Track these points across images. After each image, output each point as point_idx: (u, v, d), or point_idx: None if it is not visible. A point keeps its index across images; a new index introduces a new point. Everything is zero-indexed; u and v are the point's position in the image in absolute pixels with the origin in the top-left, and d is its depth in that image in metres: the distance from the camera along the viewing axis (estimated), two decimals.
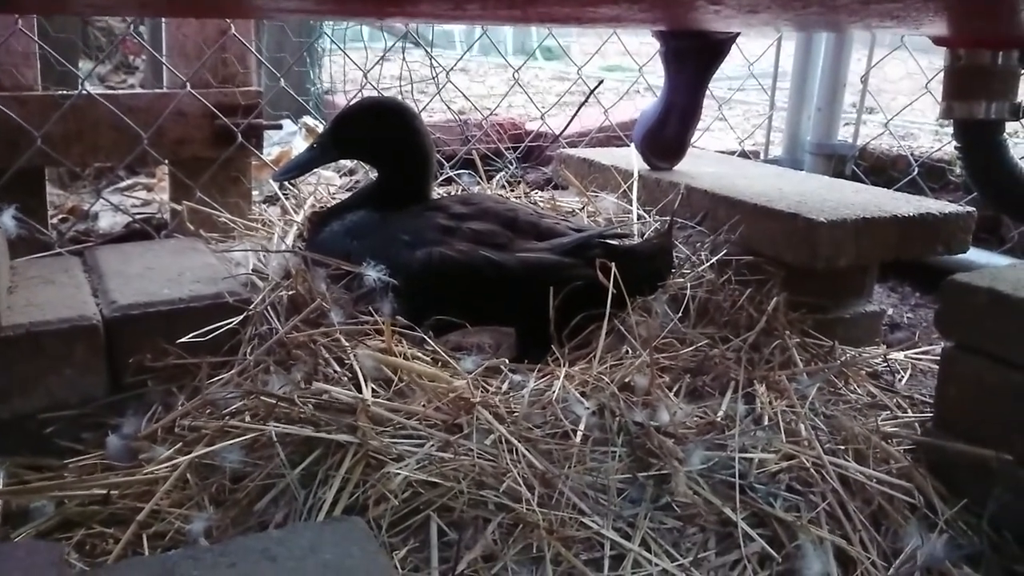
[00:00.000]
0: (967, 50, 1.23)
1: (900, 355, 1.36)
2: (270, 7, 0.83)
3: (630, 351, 1.09)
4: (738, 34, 1.54)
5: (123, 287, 1.15)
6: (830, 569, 0.83)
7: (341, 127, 1.36)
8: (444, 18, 1.10)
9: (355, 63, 1.92)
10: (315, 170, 1.51)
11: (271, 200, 1.79)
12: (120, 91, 1.72)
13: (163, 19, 1.58)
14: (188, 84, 1.49)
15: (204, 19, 1.52)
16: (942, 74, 1.27)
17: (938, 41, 1.26)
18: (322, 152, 1.37)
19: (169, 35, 1.55)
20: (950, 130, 2.49)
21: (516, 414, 0.94)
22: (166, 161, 1.56)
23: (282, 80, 1.66)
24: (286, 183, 1.65)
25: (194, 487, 0.89)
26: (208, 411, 0.99)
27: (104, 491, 0.89)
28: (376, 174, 1.43)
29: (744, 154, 2.21)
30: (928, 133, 2.92)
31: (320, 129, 2.20)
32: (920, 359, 1.36)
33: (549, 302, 1.11)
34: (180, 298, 1.12)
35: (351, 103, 1.41)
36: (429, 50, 2.00)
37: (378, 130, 1.34)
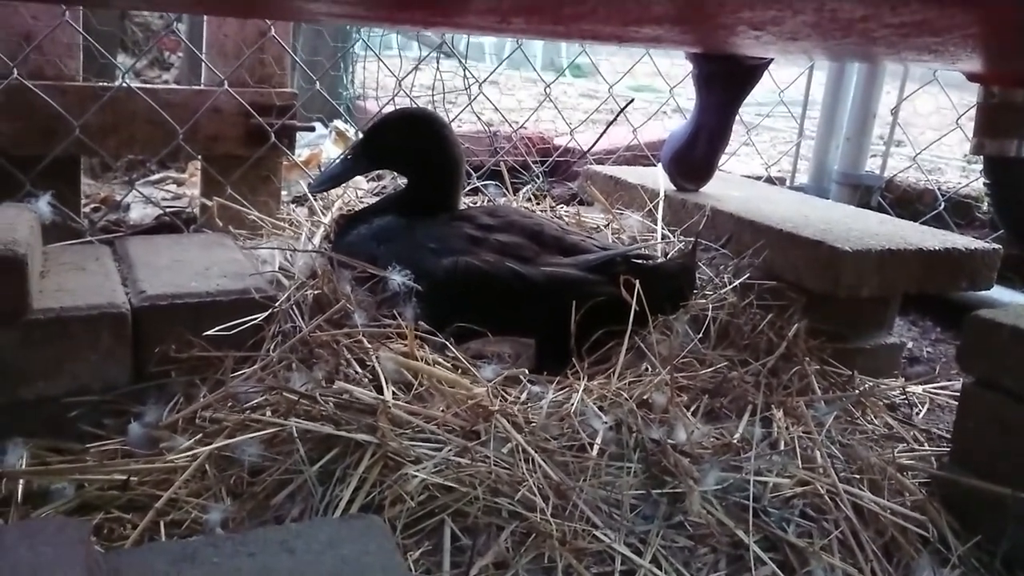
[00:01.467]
0: (1001, 87, 1.23)
1: (918, 389, 1.36)
2: (320, 11, 0.85)
3: (649, 368, 1.09)
4: (771, 60, 1.55)
5: (152, 278, 1.16)
6: None
7: (374, 137, 1.38)
8: (488, 30, 1.11)
9: (389, 69, 1.94)
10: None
11: (299, 201, 1.81)
12: (158, 86, 1.75)
13: (204, 19, 1.60)
14: (226, 82, 1.51)
15: (245, 20, 1.54)
16: (972, 110, 1.27)
17: (972, 77, 1.26)
18: (356, 162, 1.40)
19: (210, 33, 1.57)
20: (977, 166, 2.49)
21: (534, 424, 0.95)
22: (199, 157, 1.58)
23: (317, 83, 1.68)
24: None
25: (212, 478, 0.90)
26: (230, 404, 1.01)
27: (124, 477, 0.90)
28: (404, 181, 1.44)
29: (770, 180, 2.21)
30: (955, 168, 2.92)
31: (351, 133, 2.23)
32: (939, 394, 1.36)
33: (571, 316, 1.12)
34: (207, 291, 1.13)
35: (384, 114, 1.42)
36: (463, 61, 2.02)
37: (410, 140, 1.36)
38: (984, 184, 1.31)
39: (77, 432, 1.02)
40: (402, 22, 1.22)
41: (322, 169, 1.89)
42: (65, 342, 1.03)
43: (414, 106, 1.85)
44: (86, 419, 1.03)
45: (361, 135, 1.61)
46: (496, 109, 1.98)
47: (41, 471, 0.92)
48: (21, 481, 0.90)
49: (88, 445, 1.00)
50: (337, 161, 1.46)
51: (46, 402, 1.03)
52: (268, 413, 0.95)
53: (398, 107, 1.53)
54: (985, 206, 2.01)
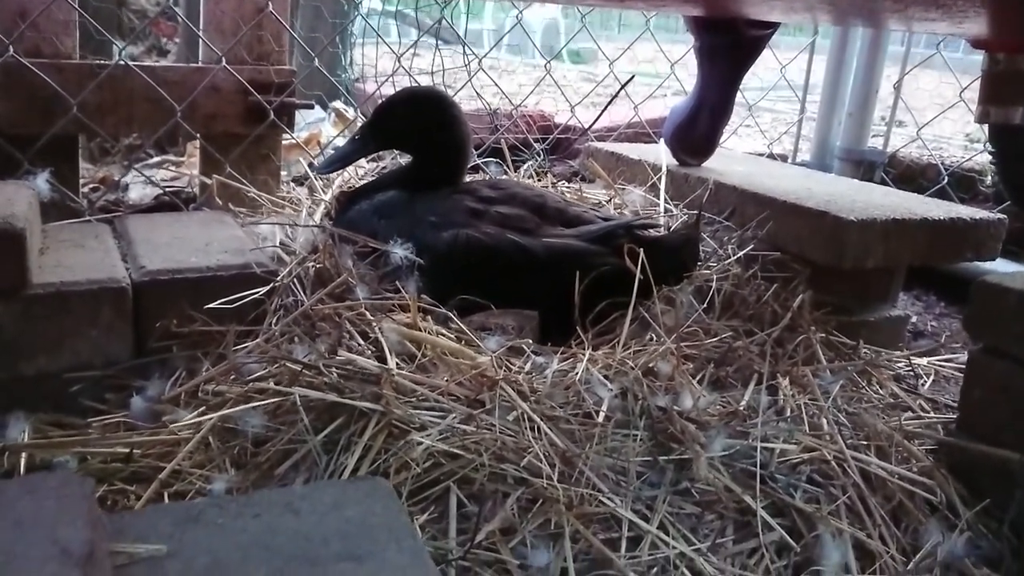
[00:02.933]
0: (1006, 54, 1.22)
1: (923, 360, 1.35)
2: None
3: (654, 338, 1.09)
4: (773, 32, 1.54)
5: (152, 254, 1.15)
6: (849, 560, 0.82)
7: (382, 118, 1.36)
8: None
9: (388, 46, 1.92)
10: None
11: (299, 180, 1.80)
12: (156, 64, 1.74)
13: None
14: (223, 59, 1.50)
15: None
16: (974, 85, 1.26)
17: (976, 44, 1.25)
18: (364, 143, 1.38)
19: (207, 10, 1.56)
20: (979, 146, 2.47)
21: (539, 393, 0.94)
22: (198, 135, 1.57)
23: (316, 60, 1.66)
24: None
25: (216, 449, 0.90)
26: (232, 377, 1.00)
27: (127, 449, 0.90)
28: (407, 159, 1.43)
29: (772, 157, 2.20)
30: (957, 147, 2.90)
31: (350, 115, 2.21)
32: (944, 366, 1.35)
33: (574, 287, 1.12)
34: (207, 266, 1.12)
35: (392, 94, 1.41)
36: (463, 39, 2.00)
37: (419, 119, 1.35)
38: (989, 153, 1.30)
39: (79, 407, 1.02)
40: None
41: (323, 149, 1.88)
42: (65, 317, 1.02)
43: (421, 85, 1.84)
44: (88, 394, 1.03)
45: (364, 116, 1.59)
46: (496, 85, 1.96)
47: (43, 444, 0.92)
48: (24, 454, 0.89)
49: (90, 420, 0.99)
50: (344, 142, 1.45)
51: (47, 377, 1.02)
52: (271, 384, 0.94)
53: (403, 87, 1.51)
54: (989, 179, 2.00)
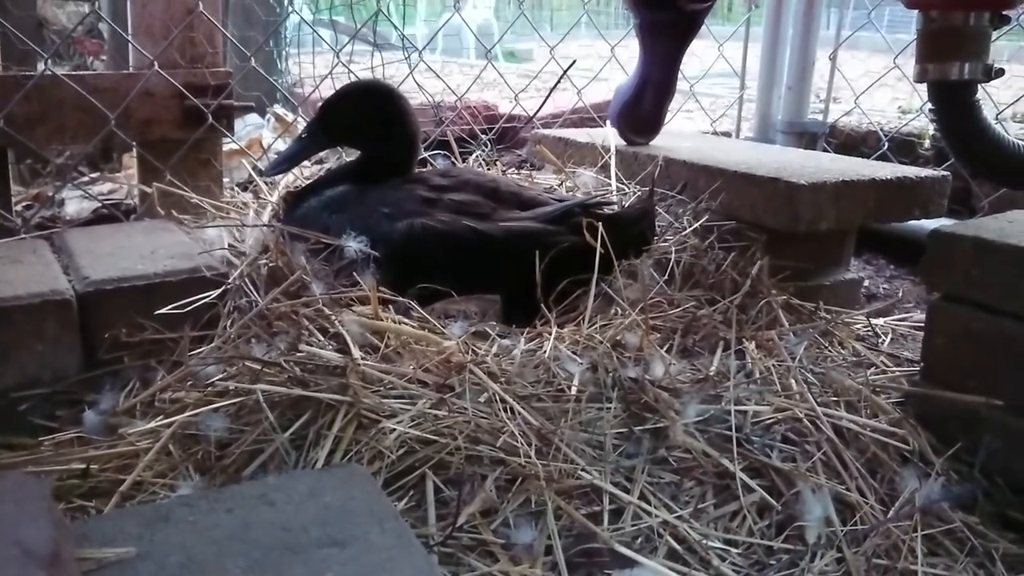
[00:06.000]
0: (940, 12, 1.24)
1: (880, 320, 1.37)
2: None
3: (619, 312, 1.08)
4: (711, 6, 1.55)
5: (95, 264, 1.11)
6: (830, 513, 0.83)
7: (331, 113, 1.33)
8: None
9: (328, 44, 1.89)
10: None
11: (243, 186, 1.76)
12: (84, 72, 1.67)
13: (128, 1, 1.53)
14: (155, 63, 1.45)
15: None
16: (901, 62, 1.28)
17: (911, 3, 1.27)
18: (312, 141, 1.35)
19: (135, 14, 1.51)
20: (910, 115, 2.52)
21: (509, 373, 0.93)
22: (134, 143, 1.52)
23: (252, 60, 1.62)
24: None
25: (177, 457, 0.86)
26: (189, 383, 0.96)
27: (83, 464, 0.86)
28: (352, 158, 1.40)
29: (716, 135, 2.21)
30: (892, 119, 2.96)
31: (289, 118, 2.17)
32: (900, 325, 1.37)
33: (535, 269, 1.10)
34: (155, 272, 1.09)
35: (338, 89, 1.38)
36: (401, 32, 1.98)
37: (368, 113, 1.32)
38: (929, 111, 1.32)
39: (29, 425, 0.97)
40: None
41: (266, 153, 1.83)
42: (8, 333, 0.98)
43: (367, 79, 1.80)
44: (38, 412, 0.99)
45: (305, 118, 1.55)
46: (439, 77, 1.94)
47: None
48: None
49: (42, 438, 0.95)
50: (289, 143, 1.41)
51: None
52: (232, 385, 0.91)
53: (346, 83, 1.47)
54: (927, 143, 2.04)
